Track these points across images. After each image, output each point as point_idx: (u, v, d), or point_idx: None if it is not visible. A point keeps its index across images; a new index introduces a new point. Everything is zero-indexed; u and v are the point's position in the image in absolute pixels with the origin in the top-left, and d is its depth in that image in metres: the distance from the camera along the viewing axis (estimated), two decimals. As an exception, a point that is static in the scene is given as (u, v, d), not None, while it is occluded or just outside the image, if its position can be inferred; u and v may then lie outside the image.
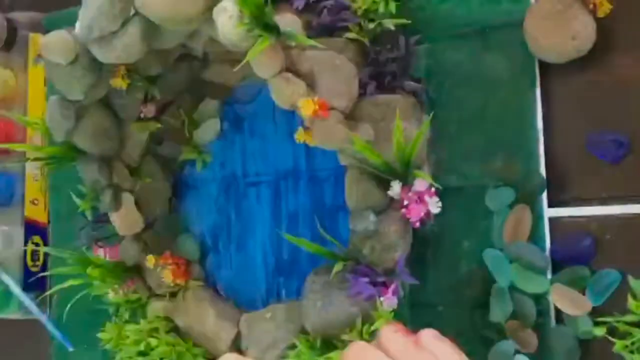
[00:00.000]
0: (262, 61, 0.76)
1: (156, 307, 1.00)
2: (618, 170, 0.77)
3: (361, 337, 0.85)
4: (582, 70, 0.78)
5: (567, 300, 0.76)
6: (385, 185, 0.82)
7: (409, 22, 0.84)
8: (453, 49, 0.84)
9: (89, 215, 1.02)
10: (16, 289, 1.14)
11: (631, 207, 0.77)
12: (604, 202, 0.78)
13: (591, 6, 0.76)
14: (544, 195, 0.79)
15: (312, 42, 0.75)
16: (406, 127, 0.82)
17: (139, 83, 0.91)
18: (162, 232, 1.02)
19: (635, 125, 0.76)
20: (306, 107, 0.77)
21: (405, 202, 0.80)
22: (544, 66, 0.79)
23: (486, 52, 0.82)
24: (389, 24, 0.84)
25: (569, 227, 0.79)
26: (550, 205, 0.80)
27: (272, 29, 0.77)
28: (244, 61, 0.73)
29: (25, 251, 1.15)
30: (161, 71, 0.93)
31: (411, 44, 0.86)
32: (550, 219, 0.80)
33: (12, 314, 1.17)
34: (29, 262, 1.15)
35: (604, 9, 0.76)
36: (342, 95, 0.81)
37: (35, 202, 1.15)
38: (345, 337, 0.85)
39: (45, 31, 1.13)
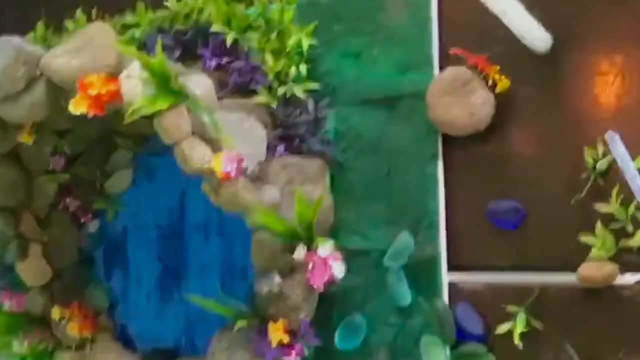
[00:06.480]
0: (167, 127, 0.76)
1: (63, 359, 0.99)
2: (515, 238, 0.80)
3: (264, 397, 0.85)
4: (482, 142, 0.81)
5: None
6: (291, 248, 0.83)
7: (318, 88, 0.86)
8: (361, 115, 0.86)
9: (-5, 265, 0.99)
10: None
11: (525, 276, 0.79)
12: (500, 269, 0.80)
13: (490, 82, 0.79)
14: (444, 261, 0.82)
15: (208, 110, 0.76)
16: (313, 190, 0.84)
17: (48, 137, 0.90)
18: (70, 282, 1.01)
19: (530, 195, 0.79)
20: (217, 165, 0.77)
21: (310, 266, 0.81)
22: (446, 137, 0.82)
23: (392, 120, 0.84)
24: (298, 91, 0.86)
25: (466, 294, 0.81)
26: (449, 270, 0.82)
27: (178, 94, 0.77)
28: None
29: None
30: (70, 125, 0.92)
31: (320, 107, 0.87)
32: (450, 284, 0.82)
33: None
34: None
35: (503, 84, 0.79)
36: (250, 158, 0.82)
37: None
38: (249, 396, 0.86)
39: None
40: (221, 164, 0.76)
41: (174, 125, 0.77)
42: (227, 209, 0.82)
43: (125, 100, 0.74)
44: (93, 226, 1.02)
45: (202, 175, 0.80)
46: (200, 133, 0.80)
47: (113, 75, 0.75)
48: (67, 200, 0.99)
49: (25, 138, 0.86)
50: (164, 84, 0.75)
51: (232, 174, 0.77)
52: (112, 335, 1.01)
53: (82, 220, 1.01)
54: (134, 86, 0.74)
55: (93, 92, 0.72)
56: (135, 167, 1.01)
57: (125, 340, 1.02)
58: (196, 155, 0.77)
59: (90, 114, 0.75)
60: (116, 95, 0.74)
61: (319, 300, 0.86)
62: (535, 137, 0.79)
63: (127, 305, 1.02)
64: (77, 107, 0.74)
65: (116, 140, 0.99)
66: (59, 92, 0.80)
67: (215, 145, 0.80)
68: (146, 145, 1.00)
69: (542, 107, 0.79)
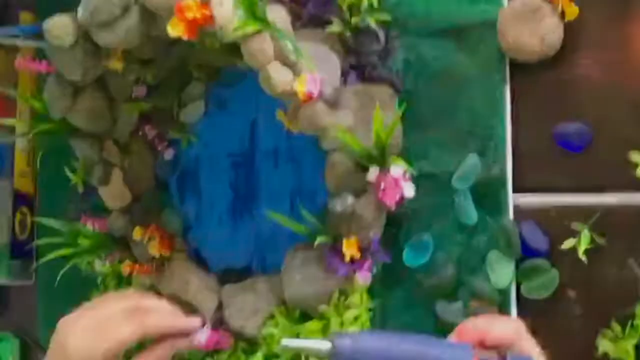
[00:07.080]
0: (254, 52, 0.81)
1: (141, 277, 1.05)
2: (581, 161, 0.83)
3: (337, 310, 0.91)
4: (550, 68, 0.84)
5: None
6: (363, 169, 0.88)
7: (389, 19, 0.90)
8: (430, 45, 0.89)
9: (80, 188, 1.06)
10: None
11: (590, 197, 0.83)
12: (565, 190, 0.84)
13: (560, 9, 0.82)
14: (509, 182, 0.86)
15: (289, 36, 0.80)
16: (383, 116, 0.88)
17: (133, 65, 0.95)
18: (148, 206, 1.06)
19: (597, 118, 0.83)
20: (300, 86, 0.81)
21: (382, 186, 0.86)
22: (514, 64, 0.85)
23: (461, 49, 0.88)
24: (370, 21, 0.89)
25: (531, 214, 0.85)
26: (515, 191, 0.86)
27: (264, 21, 0.81)
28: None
29: (13, 221, 1.19)
30: (153, 55, 0.97)
31: (391, 37, 0.91)
32: (515, 205, 0.86)
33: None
34: (17, 232, 1.19)
35: (572, 12, 0.82)
36: (326, 83, 0.86)
37: (24, 174, 1.18)
38: (322, 309, 0.92)
39: (36, 10, 1.16)
40: (304, 85, 0.81)
41: (260, 49, 0.81)
42: (304, 131, 0.87)
43: (217, 24, 0.79)
44: (168, 154, 1.07)
45: (283, 99, 0.85)
46: (282, 59, 0.84)
47: (206, 1, 0.80)
48: (146, 128, 1.04)
49: (115, 64, 0.91)
50: (251, 11, 0.80)
51: (314, 94, 0.82)
52: (186, 256, 1.07)
53: (159, 148, 1.07)
54: (226, 11, 0.79)
55: (190, 15, 0.77)
56: (208, 98, 1.06)
57: (198, 262, 1.07)
58: (281, 77, 0.82)
59: (185, 37, 0.79)
60: (209, 19, 0.79)
61: (387, 222, 0.90)
62: (603, 62, 0.82)
63: (200, 229, 1.07)
64: (173, 29, 0.78)
65: (191, 72, 1.04)
66: (151, 19, 0.85)
67: (296, 70, 0.84)
68: (218, 77, 1.05)
69: (610, 34, 0.82)
